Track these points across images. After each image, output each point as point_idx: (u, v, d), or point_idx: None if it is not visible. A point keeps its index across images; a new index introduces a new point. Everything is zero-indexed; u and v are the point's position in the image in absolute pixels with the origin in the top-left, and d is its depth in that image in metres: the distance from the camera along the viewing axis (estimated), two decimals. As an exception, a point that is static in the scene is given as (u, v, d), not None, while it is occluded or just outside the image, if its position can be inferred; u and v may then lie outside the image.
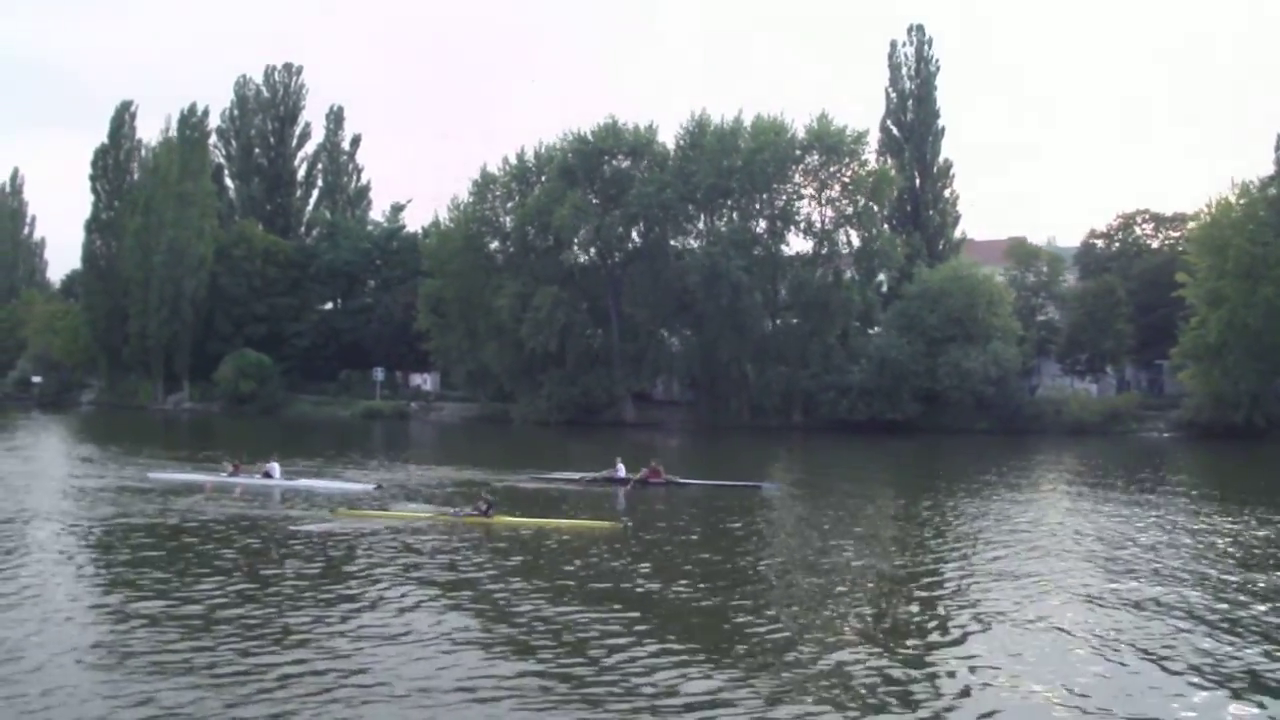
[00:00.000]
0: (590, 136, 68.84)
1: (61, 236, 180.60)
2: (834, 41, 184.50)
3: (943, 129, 77.37)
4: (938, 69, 77.51)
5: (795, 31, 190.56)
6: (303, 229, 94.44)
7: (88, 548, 20.96)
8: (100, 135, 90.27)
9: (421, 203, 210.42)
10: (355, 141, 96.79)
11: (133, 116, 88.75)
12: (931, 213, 75.49)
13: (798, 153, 66.65)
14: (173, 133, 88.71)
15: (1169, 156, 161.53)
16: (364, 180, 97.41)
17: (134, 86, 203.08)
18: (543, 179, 71.16)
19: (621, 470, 32.50)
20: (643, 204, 65.68)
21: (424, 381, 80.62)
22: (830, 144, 65.70)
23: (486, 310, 69.69)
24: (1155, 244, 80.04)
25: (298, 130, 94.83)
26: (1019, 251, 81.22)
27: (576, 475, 33.14)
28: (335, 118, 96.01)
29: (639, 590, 17.28)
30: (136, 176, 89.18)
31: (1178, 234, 78.22)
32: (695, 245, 68.56)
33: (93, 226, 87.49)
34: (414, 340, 78.01)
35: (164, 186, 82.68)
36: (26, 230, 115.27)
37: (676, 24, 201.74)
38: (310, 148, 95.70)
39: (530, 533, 22.99)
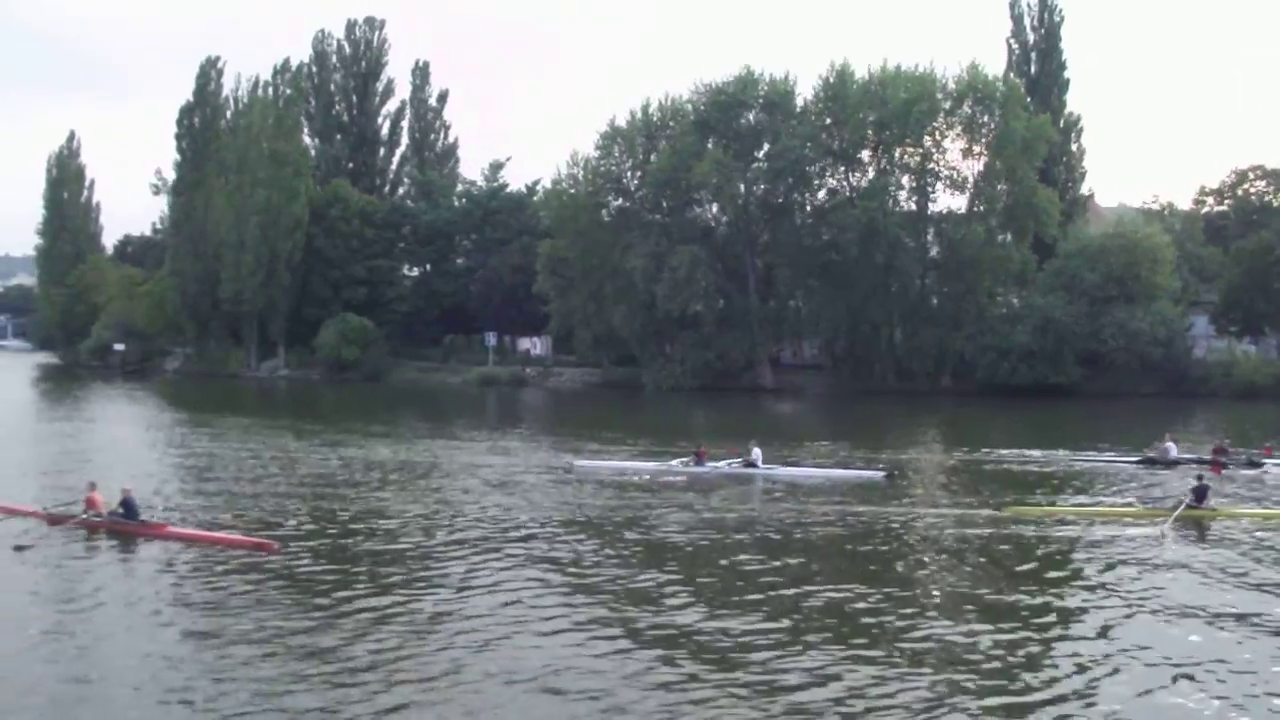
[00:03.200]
0: (719, 88, 65.52)
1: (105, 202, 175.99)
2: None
3: (1068, 81, 74.06)
4: (1062, 19, 74.00)
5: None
6: (387, 188, 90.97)
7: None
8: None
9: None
10: (442, 97, 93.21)
11: (219, 73, 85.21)
12: (1059, 168, 72.28)
13: (945, 105, 63.46)
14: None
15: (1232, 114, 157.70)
16: (451, 138, 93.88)
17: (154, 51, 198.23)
18: (667, 133, 67.94)
19: (1173, 449, 28.94)
20: (788, 158, 62.50)
21: (534, 346, 77.53)
22: (983, 95, 62.47)
23: (613, 271, 66.58)
24: (1270, 200, 77.19)
25: (380, 86, 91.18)
26: (1151, 211, 78.42)
27: (1135, 457, 29.71)
28: (421, 73, 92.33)
29: None
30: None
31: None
32: (834, 201, 65.45)
33: (179, 188, 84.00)
34: (522, 303, 74.93)
35: (255, 145, 79.20)
36: (85, 194, 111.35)
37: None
38: (393, 104, 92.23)
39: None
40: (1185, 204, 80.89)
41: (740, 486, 26.12)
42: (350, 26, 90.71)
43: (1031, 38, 73.63)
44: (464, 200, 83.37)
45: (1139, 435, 37.70)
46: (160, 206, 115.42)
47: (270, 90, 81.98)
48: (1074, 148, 73.83)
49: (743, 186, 63.68)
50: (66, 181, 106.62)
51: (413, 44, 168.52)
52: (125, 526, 19.75)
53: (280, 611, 14.56)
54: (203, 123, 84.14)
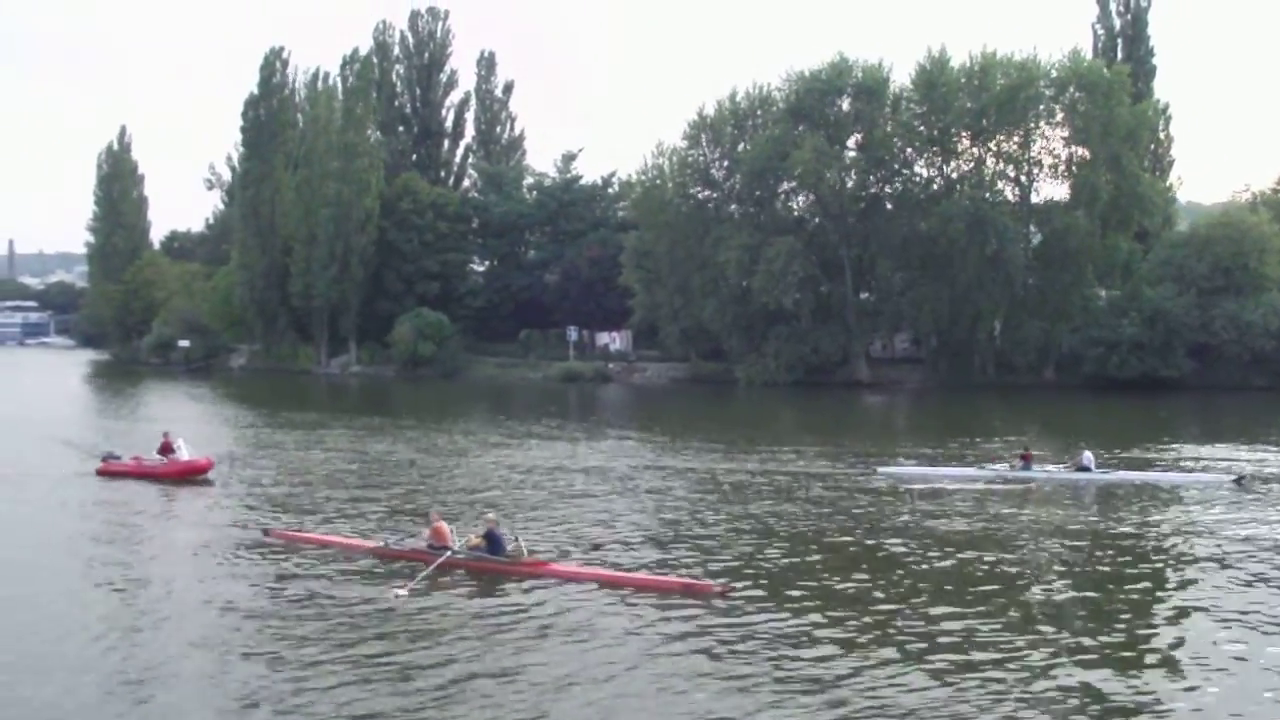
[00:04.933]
0: (812, 75, 64.07)
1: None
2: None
3: (1155, 68, 72.45)
4: (1149, 4, 72.37)
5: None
6: (451, 181, 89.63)
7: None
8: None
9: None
10: (508, 88, 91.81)
11: (284, 64, 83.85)
12: (1148, 157, 70.65)
13: (1048, 92, 62.01)
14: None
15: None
16: (517, 129, 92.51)
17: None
18: (751, 122, 66.59)
19: None
20: (888, 146, 61.17)
21: (613, 340, 76.02)
22: (1088, 82, 60.91)
23: (702, 263, 65.25)
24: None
25: (444, 78, 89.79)
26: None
27: None
28: (487, 64, 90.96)
29: None
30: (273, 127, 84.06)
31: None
32: (929, 191, 64.05)
33: (245, 181, 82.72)
34: (601, 297, 73.72)
35: (325, 137, 77.92)
36: (137, 190, 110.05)
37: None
38: (456, 95, 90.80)
39: None
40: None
41: (1074, 493, 24.16)
42: (413, 17, 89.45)
43: (1118, 23, 72.12)
44: (535, 192, 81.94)
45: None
46: (214, 202, 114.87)
47: (338, 81, 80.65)
48: (1162, 136, 72.24)
49: (846, 174, 62.33)
50: (119, 177, 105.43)
51: (478, 35, 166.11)
52: (493, 565, 16.30)
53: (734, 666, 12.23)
54: (268, 114, 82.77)
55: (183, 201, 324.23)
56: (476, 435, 38.24)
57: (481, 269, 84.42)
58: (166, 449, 27.12)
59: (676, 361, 70.53)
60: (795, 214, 66.11)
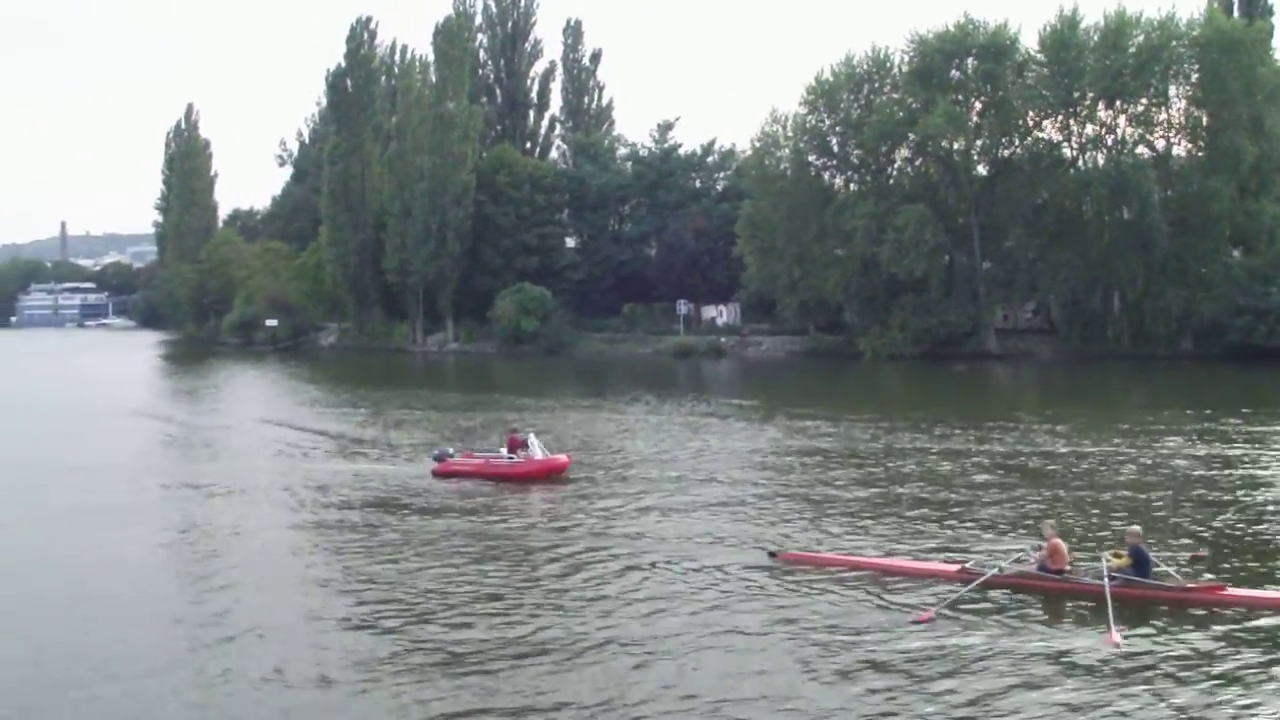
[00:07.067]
0: (937, 37, 62.11)
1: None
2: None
3: (1272, 29, 69.82)
4: (1266, -40, 69.81)
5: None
6: (537, 151, 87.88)
7: None
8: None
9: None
10: (595, 57, 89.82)
11: (372, 35, 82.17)
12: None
13: (1185, 52, 59.83)
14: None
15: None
16: (605, 99, 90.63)
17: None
18: (868, 87, 64.67)
19: None
20: (1015, 110, 59.29)
21: (720, 314, 74.42)
22: (1230, 41, 58.62)
23: (820, 233, 63.53)
24: None
25: (529, 47, 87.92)
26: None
27: None
28: (574, 32, 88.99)
29: None
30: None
31: None
32: (1056, 155, 62.07)
33: (333, 156, 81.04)
34: (706, 269, 72.09)
35: (418, 108, 76.19)
36: (210, 168, 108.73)
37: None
38: (540, 65, 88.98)
39: None
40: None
41: None
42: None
43: (1235, -19, 69.57)
44: (632, 163, 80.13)
45: None
46: (283, 177, 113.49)
47: (429, 51, 78.84)
48: (1282, 97, 69.79)
49: (980, 138, 60.56)
50: (191, 155, 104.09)
51: (564, 3, 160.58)
52: (1154, 592, 12.98)
53: None
54: (355, 87, 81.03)
55: (237, 179, 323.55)
56: (698, 416, 36.73)
57: (573, 243, 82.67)
58: (515, 445, 24.61)
59: (790, 335, 68.91)
60: (919, 180, 64.22)
